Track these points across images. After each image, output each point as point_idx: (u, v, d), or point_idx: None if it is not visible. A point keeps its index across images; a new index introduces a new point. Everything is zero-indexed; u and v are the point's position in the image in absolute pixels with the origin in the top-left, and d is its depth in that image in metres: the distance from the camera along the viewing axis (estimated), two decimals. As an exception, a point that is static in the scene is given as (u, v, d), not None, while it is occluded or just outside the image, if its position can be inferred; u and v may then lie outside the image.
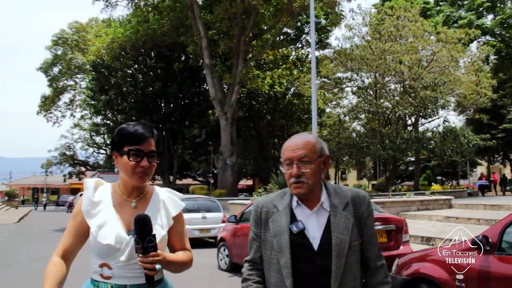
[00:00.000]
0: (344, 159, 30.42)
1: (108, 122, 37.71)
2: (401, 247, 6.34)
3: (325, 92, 29.88)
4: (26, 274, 8.52)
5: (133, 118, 33.69)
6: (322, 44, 36.53)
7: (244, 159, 39.53)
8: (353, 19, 25.82)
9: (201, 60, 24.14)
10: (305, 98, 30.04)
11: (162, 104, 33.53)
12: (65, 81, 46.89)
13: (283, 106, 32.61)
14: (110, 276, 2.01)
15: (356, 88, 27.70)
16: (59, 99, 47.30)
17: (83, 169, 52.01)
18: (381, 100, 25.62)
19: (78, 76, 46.13)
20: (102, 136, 47.46)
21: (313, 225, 1.95)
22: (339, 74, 28.64)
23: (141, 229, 1.87)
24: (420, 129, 27.41)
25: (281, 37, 31.30)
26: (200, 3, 25.70)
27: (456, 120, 46.51)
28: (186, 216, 11.12)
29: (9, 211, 38.16)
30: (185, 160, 39.17)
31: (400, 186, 43.37)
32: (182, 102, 33.27)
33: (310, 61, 33.03)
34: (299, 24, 32.72)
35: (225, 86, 24.49)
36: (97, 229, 2.00)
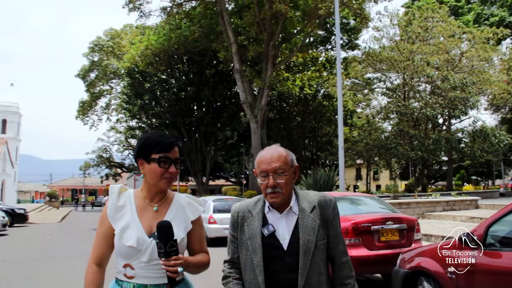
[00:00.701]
0: (375, 159, 30.53)
1: (142, 125, 38.86)
2: (412, 245, 6.75)
3: (355, 93, 30.12)
4: (71, 267, 9.40)
5: (167, 121, 34.70)
6: (352, 44, 36.68)
7: (276, 160, 40.09)
8: (380, 21, 26.11)
9: (232, 65, 24.80)
10: (334, 99, 30.32)
11: (195, 107, 34.42)
12: (102, 86, 48.63)
13: (313, 108, 32.98)
14: (133, 276, 2.14)
15: (385, 89, 27.86)
16: (96, 104, 49.06)
17: (119, 170, 53.45)
18: (411, 101, 25.73)
19: (114, 81, 47.75)
20: (137, 137, 48.91)
21: (283, 227, 2.15)
22: (369, 75, 28.85)
23: (164, 234, 2.00)
24: (450, 129, 27.35)
25: (311, 38, 31.66)
26: (230, 9, 26.47)
27: (490, 119, 45.82)
28: (217, 216, 11.90)
29: (51, 211, 39.99)
30: (218, 161, 39.95)
31: (433, 186, 43.07)
32: (214, 105, 34.06)
33: (341, 63, 33.44)
34: (328, 25, 33.00)
35: (255, 90, 25.06)
36: (120, 232, 2.14)
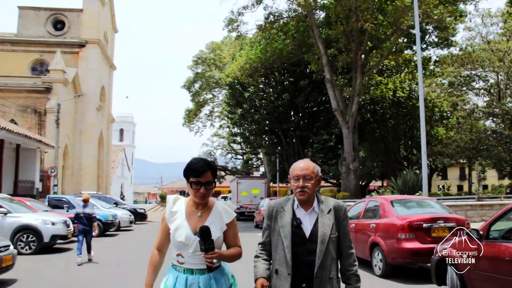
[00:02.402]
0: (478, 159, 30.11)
1: (243, 131, 41.49)
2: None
3: (450, 94, 29.98)
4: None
5: (266, 127, 36.96)
6: (447, 42, 36.14)
7: (372, 161, 40.61)
8: (470, 20, 26.10)
9: (324, 75, 26.29)
10: (428, 101, 30.46)
11: (291, 114, 36.31)
12: (205, 95, 52.28)
13: (407, 110, 33.22)
14: (183, 262, 2.78)
15: (478, 89, 27.63)
16: (200, 112, 52.77)
17: (222, 173, 56.07)
18: (507, 99, 25.36)
19: (216, 89, 51.19)
20: (239, 143, 51.81)
21: (307, 222, 2.77)
22: (466, 73, 28.67)
23: (204, 236, 2.61)
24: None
25: (404, 39, 31.82)
26: (321, 19, 27.99)
27: None
28: None
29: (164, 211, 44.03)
30: (316, 163, 41.48)
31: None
32: (309, 111, 35.70)
33: (433, 63, 33.31)
34: (422, 24, 32.87)
35: (347, 97, 26.27)
36: (174, 231, 2.79)
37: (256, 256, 2.91)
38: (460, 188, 55.82)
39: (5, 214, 12.04)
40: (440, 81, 29.91)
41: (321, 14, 28.31)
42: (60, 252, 13.03)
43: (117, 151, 61.85)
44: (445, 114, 32.57)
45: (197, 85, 50.71)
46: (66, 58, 36.44)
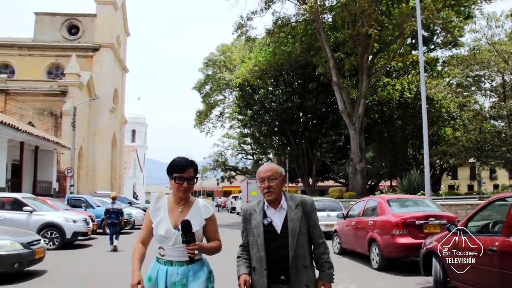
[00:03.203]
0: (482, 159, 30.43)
1: (253, 132, 42.15)
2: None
3: (457, 95, 30.38)
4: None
5: (275, 128, 37.67)
6: (456, 42, 36.50)
7: (380, 161, 41.11)
8: (475, 24, 26.50)
9: (331, 77, 26.90)
10: (435, 102, 30.89)
11: (300, 114, 36.98)
12: (216, 97, 53.10)
13: (414, 110, 33.68)
14: (164, 254, 2.99)
15: (484, 90, 28.01)
16: (211, 113, 53.54)
17: (233, 173, 56.94)
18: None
19: (226, 90, 51.99)
20: (249, 144, 52.42)
21: (277, 218, 2.99)
22: (473, 74, 29.03)
23: (185, 229, 2.83)
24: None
25: (413, 40, 32.23)
26: (329, 21, 28.63)
27: None
28: None
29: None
30: (326, 163, 42.08)
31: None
32: (318, 113, 36.35)
33: (441, 63, 33.75)
34: (431, 26, 33.20)
35: (354, 99, 26.83)
36: (156, 225, 3.00)
37: (238, 257, 3.14)
38: (470, 188, 55.84)
39: (31, 212, 12.98)
40: (448, 82, 30.33)
41: (329, 18, 28.93)
42: (81, 248, 13.92)
43: (129, 152, 62.79)
44: (453, 114, 32.92)
45: (207, 87, 51.50)
46: (81, 62, 37.58)
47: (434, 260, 6.90)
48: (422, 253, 7.33)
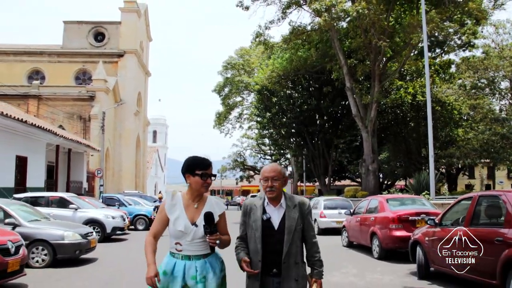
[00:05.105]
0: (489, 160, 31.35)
1: (272, 133, 43.60)
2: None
3: (469, 97, 31.34)
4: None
5: (293, 130, 39.14)
6: (469, 44, 37.23)
7: (395, 161, 42.21)
8: (482, 31, 27.67)
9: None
10: (446, 104, 31.91)
11: (317, 117, 38.37)
12: (234, 99, 54.65)
13: (426, 112, 34.55)
14: (181, 250, 3.07)
15: (499, 90, 28.92)
16: (230, 114, 55.05)
17: (252, 173, 58.49)
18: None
19: (245, 92, 53.51)
20: (267, 145, 53.81)
21: (275, 216, 3.15)
22: (482, 77, 30.00)
23: (209, 220, 2.97)
24: None
25: (428, 43, 33.02)
26: (344, 27, 29.95)
27: None
28: (327, 212, 16.78)
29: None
30: (342, 163, 43.41)
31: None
32: (334, 115, 37.73)
33: (453, 67, 34.73)
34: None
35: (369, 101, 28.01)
36: (174, 221, 3.08)
37: (236, 247, 3.25)
38: (488, 187, 56.29)
39: (76, 209, 14.79)
40: (460, 83, 31.22)
41: (343, 24, 30.17)
42: (118, 241, 15.68)
43: (151, 152, 64.59)
44: (466, 116, 33.76)
45: (226, 89, 53.05)
46: (106, 67, 39.66)
47: (418, 248, 8.43)
48: (410, 243, 8.86)
